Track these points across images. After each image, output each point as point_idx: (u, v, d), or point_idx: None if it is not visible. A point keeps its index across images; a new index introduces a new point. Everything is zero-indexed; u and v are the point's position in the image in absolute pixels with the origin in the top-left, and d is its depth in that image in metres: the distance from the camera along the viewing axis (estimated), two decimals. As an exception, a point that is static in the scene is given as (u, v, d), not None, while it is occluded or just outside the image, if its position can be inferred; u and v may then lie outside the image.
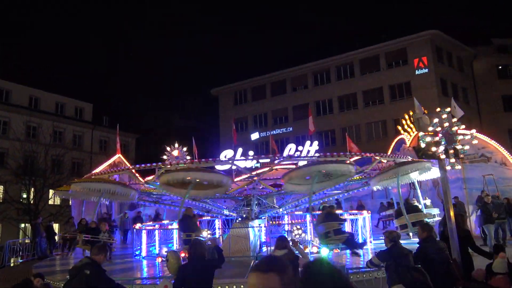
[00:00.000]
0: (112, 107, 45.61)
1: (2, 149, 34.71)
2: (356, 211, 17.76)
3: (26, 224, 31.82)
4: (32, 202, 30.88)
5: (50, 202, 32.93)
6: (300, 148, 17.09)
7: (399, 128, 23.52)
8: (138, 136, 45.98)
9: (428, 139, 7.00)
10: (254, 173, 14.56)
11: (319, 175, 11.44)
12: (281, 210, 15.55)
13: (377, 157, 12.68)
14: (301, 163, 14.77)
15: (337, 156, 12.15)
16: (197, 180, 11.21)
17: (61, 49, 72.80)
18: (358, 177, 14.44)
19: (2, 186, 32.12)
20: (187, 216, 11.83)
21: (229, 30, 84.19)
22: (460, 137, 6.96)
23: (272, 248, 6.56)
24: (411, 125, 22.08)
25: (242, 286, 9.07)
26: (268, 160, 14.76)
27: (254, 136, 38.44)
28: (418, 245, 6.65)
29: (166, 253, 13.48)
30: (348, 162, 11.91)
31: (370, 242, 14.63)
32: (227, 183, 11.60)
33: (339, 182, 12.45)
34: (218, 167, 14.09)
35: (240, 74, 46.05)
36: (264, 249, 13.63)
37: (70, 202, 25.06)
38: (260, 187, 14.29)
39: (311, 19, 79.47)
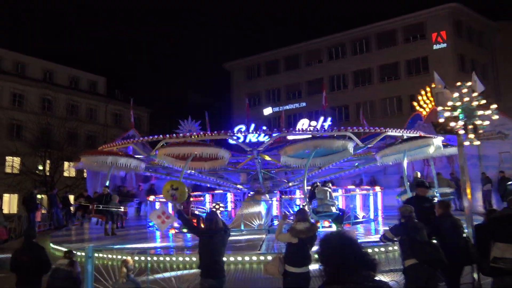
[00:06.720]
0: (125, 81, 45.46)
1: (19, 121, 35.13)
2: (368, 187, 17.64)
3: (43, 196, 32.55)
4: (48, 173, 31.48)
5: (66, 174, 33.53)
6: (313, 123, 16.93)
7: (415, 104, 23.06)
8: (152, 111, 46.11)
9: (447, 114, 6.82)
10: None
11: (318, 150, 11.31)
12: (291, 184, 15.54)
13: (384, 132, 12.44)
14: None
15: (351, 130, 11.97)
16: (195, 154, 11.32)
17: (74, 22, 72.66)
18: (369, 153, 14.31)
19: (19, 158, 32.73)
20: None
21: (243, 4, 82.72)
22: (480, 112, 6.75)
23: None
24: (427, 101, 21.62)
25: (254, 258, 9.15)
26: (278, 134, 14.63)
27: (267, 111, 38.12)
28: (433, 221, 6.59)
29: (178, 226, 13.73)
30: (347, 137, 11.65)
31: (382, 218, 14.59)
32: (225, 156, 11.69)
33: (341, 157, 12.27)
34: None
35: (254, 49, 45.56)
36: (276, 222, 13.72)
37: (85, 175, 25.48)
38: (267, 161, 14.22)
39: (326, -8, 77.54)
